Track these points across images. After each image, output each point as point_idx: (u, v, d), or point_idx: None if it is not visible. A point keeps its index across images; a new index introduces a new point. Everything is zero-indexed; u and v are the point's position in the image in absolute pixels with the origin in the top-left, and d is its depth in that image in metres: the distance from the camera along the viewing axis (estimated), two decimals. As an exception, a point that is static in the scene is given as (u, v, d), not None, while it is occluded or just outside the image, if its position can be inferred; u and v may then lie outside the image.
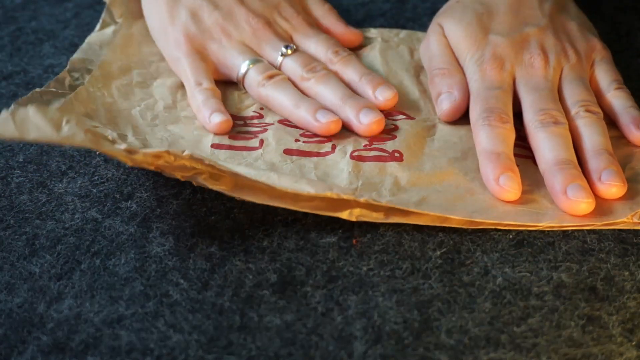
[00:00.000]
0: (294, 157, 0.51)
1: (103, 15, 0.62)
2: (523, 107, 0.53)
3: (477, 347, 0.41)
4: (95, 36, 0.60)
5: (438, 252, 0.46)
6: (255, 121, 0.55)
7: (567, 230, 0.47)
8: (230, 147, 0.52)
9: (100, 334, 0.42)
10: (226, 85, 0.58)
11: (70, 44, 0.65)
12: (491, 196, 0.49)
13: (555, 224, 0.47)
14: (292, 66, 0.56)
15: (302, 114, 0.53)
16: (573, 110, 0.52)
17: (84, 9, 0.70)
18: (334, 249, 0.46)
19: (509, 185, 0.48)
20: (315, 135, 0.53)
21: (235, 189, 0.46)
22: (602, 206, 0.48)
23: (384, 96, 0.54)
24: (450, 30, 0.58)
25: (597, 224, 0.47)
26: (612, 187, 0.48)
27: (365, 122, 0.53)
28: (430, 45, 0.59)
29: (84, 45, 0.59)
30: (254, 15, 0.58)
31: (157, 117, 0.54)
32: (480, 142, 0.51)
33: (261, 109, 0.56)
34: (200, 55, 0.57)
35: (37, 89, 0.52)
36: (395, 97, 0.55)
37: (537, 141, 0.50)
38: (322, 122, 0.53)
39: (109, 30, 0.61)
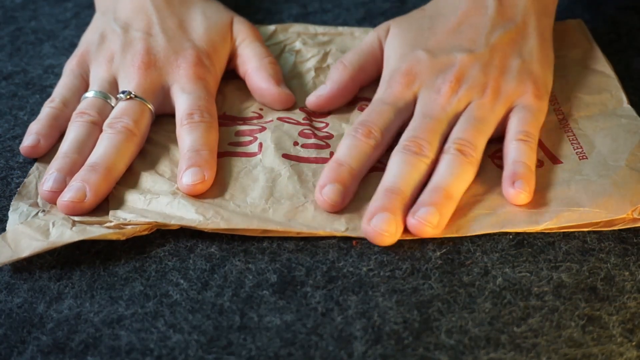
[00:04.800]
0: (292, 162, 0.51)
1: None
2: (407, 128, 0.51)
3: (477, 347, 0.41)
4: None
5: (438, 253, 0.46)
6: (255, 121, 0.55)
7: (567, 230, 0.47)
8: (231, 154, 0.52)
9: (100, 334, 0.42)
10: (226, 85, 0.58)
11: (70, 44, 0.65)
12: (489, 204, 0.48)
13: (553, 225, 0.47)
14: (115, 112, 0.52)
15: (64, 160, 0.50)
16: (446, 146, 0.49)
17: (83, 9, 0.70)
18: (334, 249, 0.46)
19: (329, 197, 0.47)
20: (314, 136, 0.53)
21: (230, 228, 0.47)
22: (600, 202, 0.47)
23: (187, 179, 0.48)
24: (389, 40, 0.56)
25: (597, 221, 0.47)
26: (421, 223, 0.45)
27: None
28: (364, 40, 0.58)
29: None
30: (143, 53, 0.54)
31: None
32: (337, 151, 0.49)
33: (260, 109, 0.56)
34: (83, 71, 0.56)
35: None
36: (200, 184, 0.48)
37: (391, 163, 0.48)
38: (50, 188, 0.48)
39: None
